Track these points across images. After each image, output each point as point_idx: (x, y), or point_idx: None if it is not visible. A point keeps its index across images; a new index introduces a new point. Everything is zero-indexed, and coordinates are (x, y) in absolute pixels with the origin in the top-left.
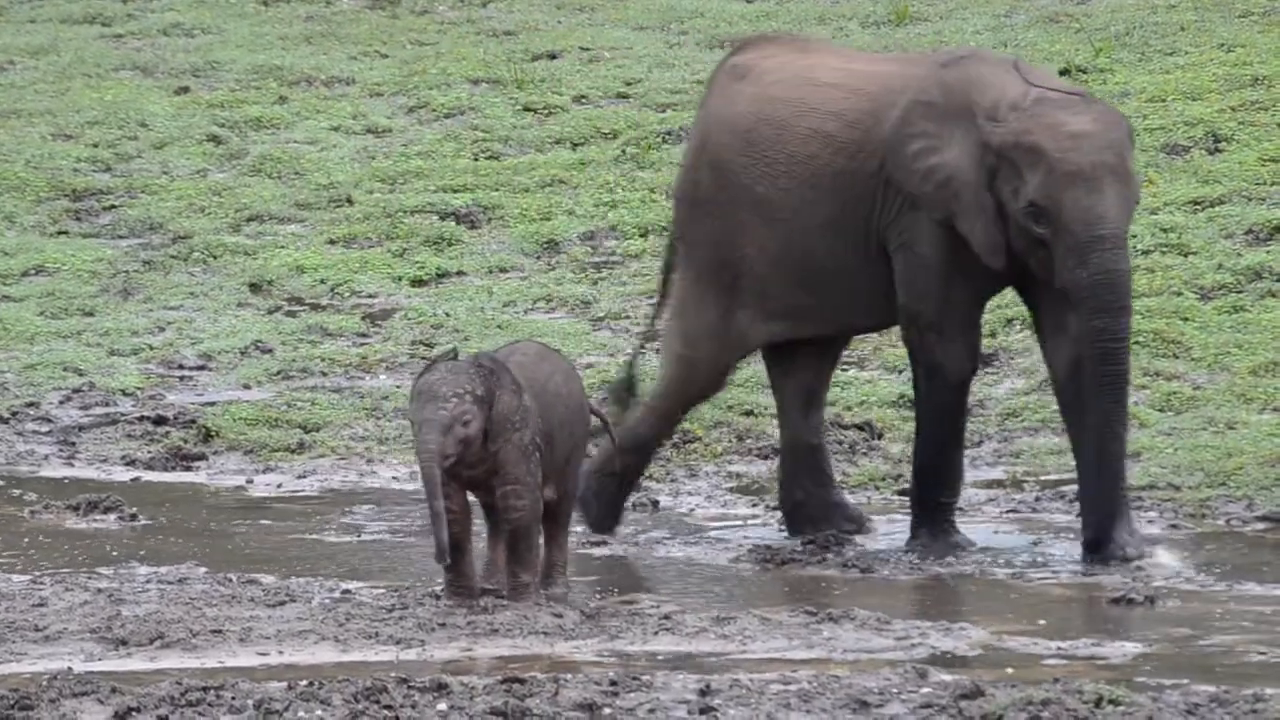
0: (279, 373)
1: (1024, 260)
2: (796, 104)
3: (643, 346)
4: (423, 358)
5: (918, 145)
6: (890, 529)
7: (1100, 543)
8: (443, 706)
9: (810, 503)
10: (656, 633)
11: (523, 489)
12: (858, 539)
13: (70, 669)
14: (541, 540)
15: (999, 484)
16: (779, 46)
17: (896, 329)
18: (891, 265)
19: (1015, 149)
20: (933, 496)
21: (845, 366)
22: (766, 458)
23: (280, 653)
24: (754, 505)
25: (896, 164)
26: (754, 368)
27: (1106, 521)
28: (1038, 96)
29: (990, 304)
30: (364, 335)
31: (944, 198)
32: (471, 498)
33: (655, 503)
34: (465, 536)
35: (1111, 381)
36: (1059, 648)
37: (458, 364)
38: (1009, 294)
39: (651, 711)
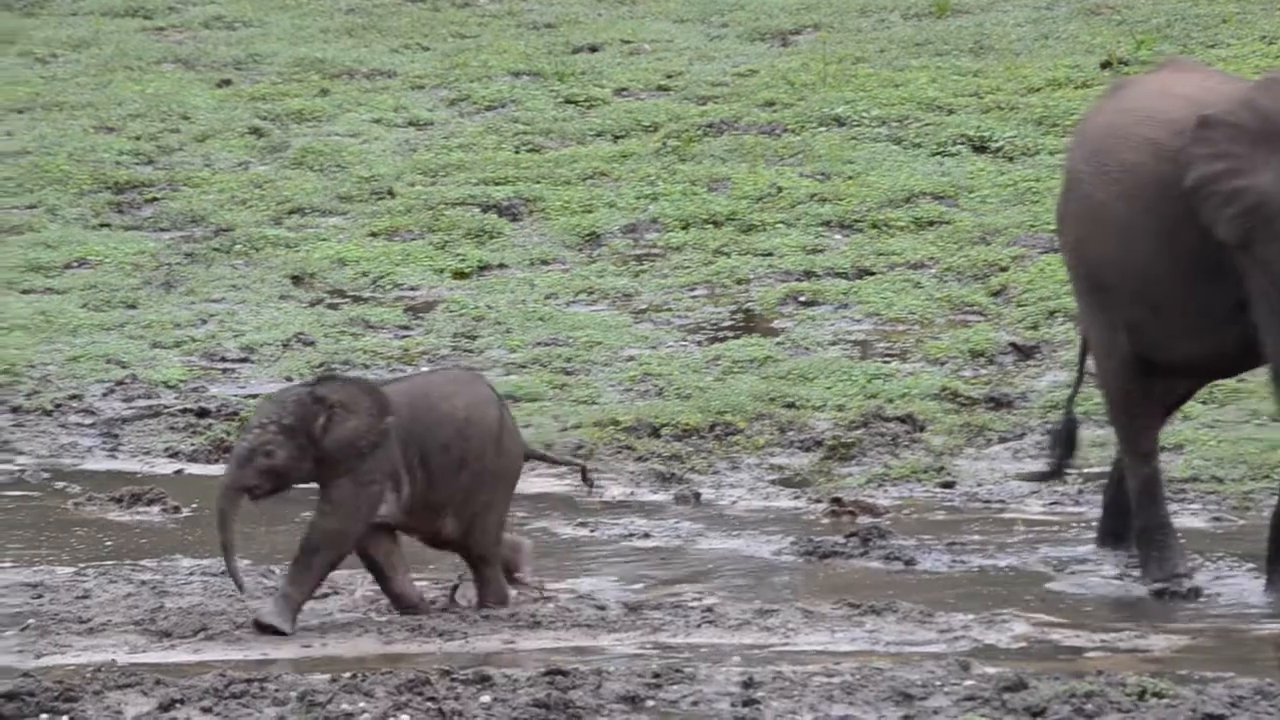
0: (321, 365)
1: None
2: (1141, 112)
3: (1079, 385)
4: (465, 350)
5: (1218, 166)
6: (930, 522)
7: None
8: (486, 699)
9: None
10: (699, 625)
11: (332, 512)
12: (898, 534)
13: (114, 661)
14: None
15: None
16: (1171, 67)
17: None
18: (1234, 290)
19: None
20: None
21: (887, 359)
22: (809, 450)
23: (323, 645)
24: (796, 498)
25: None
26: (796, 359)
27: None
28: None
29: (1032, 295)
30: (406, 328)
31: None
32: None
33: (697, 495)
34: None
35: None
36: (1102, 640)
37: (285, 391)
38: (1052, 285)
39: (694, 704)
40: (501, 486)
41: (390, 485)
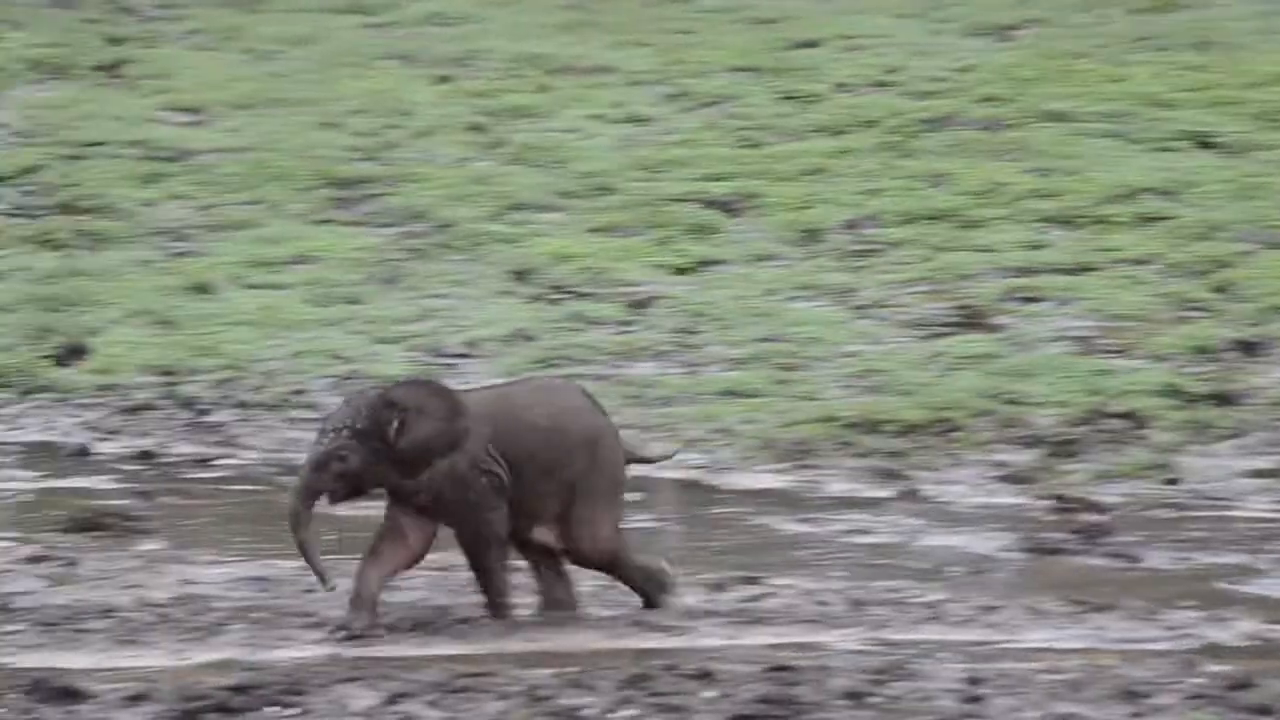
0: (541, 360)
1: None
2: None
3: None
4: (685, 346)
5: None
6: (1154, 519)
7: None
8: (709, 694)
9: None
10: (922, 621)
11: (466, 515)
12: (1122, 530)
13: (340, 654)
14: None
15: (1269, 474)
16: None
17: None
18: None
19: None
20: None
21: (1107, 354)
22: (1031, 447)
23: (547, 639)
24: (1018, 494)
25: None
26: (1018, 355)
27: None
28: None
29: (1257, 291)
30: (626, 323)
31: None
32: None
33: (918, 491)
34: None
35: None
36: None
37: (359, 396)
38: (1277, 281)
39: (919, 700)
40: (602, 498)
41: None
